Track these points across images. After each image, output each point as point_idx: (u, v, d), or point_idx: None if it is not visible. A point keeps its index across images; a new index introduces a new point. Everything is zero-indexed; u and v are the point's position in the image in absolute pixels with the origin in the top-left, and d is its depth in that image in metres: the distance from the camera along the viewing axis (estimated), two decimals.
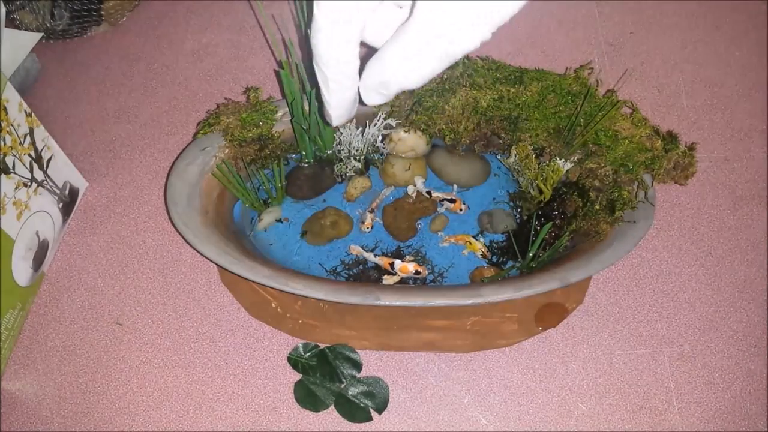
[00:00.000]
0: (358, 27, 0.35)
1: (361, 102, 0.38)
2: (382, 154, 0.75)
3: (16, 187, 0.63)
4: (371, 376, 0.66)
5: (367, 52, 0.36)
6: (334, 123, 0.39)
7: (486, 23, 0.31)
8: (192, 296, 0.71)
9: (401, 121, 0.70)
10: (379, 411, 0.64)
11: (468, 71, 0.68)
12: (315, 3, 0.34)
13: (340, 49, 0.35)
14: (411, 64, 0.34)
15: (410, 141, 0.72)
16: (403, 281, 0.68)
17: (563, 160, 0.67)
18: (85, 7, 0.89)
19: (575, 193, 0.67)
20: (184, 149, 0.69)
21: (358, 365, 0.66)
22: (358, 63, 0.37)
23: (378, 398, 0.65)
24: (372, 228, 0.72)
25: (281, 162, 0.72)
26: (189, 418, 0.64)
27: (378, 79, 0.36)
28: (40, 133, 0.67)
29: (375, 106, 0.70)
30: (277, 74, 0.86)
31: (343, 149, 0.73)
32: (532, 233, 0.67)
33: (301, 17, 0.65)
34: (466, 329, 0.67)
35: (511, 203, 0.74)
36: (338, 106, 0.39)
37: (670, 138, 0.65)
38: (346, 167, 0.74)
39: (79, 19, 0.90)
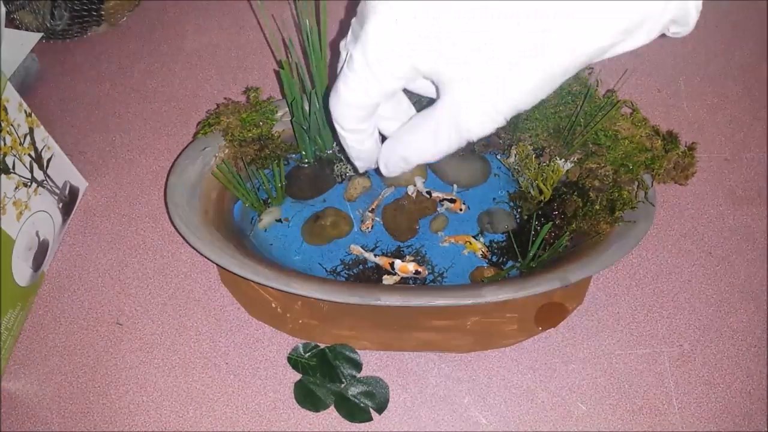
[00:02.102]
0: (370, 127, 0.43)
1: (379, 173, 0.46)
2: None
3: (16, 187, 0.63)
4: (371, 376, 0.66)
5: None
6: (360, 171, 0.48)
7: (502, 115, 0.37)
8: (192, 296, 0.71)
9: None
10: (379, 411, 0.64)
11: None
12: (333, 119, 0.42)
13: (358, 139, 0.44)
14: (431, 145, 0.41)
15: None
16: (403, 281, 0.68)
17: (563, 160, 0.67)
18: (85, 8, 0.89)
19: (575, 193, 0.67)
20: (184, 149, 0.69)
21: (358, 365, 0.66)
22: (375, 131, 0.44)
23: (378, 398, 0.65)
24: (372, 228, 0.72)
25: (281, 162, 0.72)
26: (189, 418, 0.64)
27: (400, 155, 0.43)
28: (40, 133, 0.67)
29: None
30: (277, 74, 0.86)
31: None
32: (532, 233, 0.67)
33: (300, 17, 0.65)
34: (466, 329, 0.67)
35: (511, 203, 0.74)
36: (359, 158, 0.46)
37: (670, 138, 0.65)
38: (346, 167, 0.74)
39: (79, 20, 0.90)
